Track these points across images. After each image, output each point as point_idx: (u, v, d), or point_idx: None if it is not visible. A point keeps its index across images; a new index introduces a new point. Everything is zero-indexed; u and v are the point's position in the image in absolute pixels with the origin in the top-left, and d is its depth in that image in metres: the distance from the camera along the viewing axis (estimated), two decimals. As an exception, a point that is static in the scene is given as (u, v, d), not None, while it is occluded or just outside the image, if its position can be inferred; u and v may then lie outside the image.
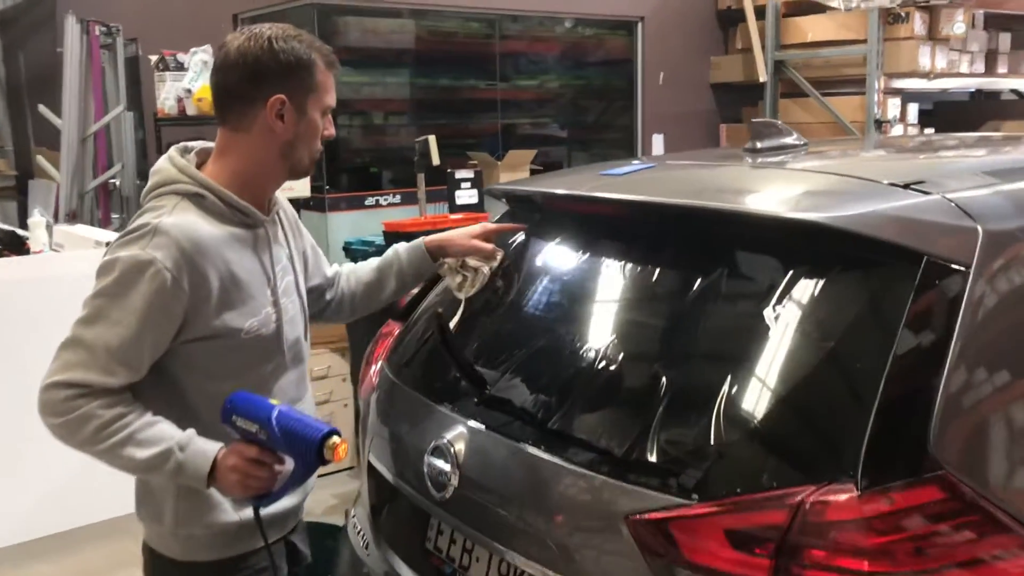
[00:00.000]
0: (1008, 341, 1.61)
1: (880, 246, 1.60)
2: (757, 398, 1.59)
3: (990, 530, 1.44)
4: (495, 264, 2.18)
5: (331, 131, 1.89)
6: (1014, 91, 8.18)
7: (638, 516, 1.55)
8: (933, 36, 6.25)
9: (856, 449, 1.44)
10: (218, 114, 1.84)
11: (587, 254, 1.99)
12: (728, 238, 1.78)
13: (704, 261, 1.77)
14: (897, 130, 6.37)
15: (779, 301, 1.64)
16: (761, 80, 6.85)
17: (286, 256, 1.97)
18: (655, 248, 1.87)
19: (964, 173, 1.89)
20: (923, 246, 1.60)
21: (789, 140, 2.25)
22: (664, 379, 1.66)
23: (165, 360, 1.78)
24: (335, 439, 1.63)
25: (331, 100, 1.85)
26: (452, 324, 2.12)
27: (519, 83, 6.92)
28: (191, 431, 1.75)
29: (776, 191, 1.83)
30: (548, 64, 6.98)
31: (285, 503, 1.94)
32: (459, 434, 1.91)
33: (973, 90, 8.28)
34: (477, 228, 2.24)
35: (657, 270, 1.84)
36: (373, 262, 2.26)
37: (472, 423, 1.90)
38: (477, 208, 5.70)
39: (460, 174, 5.66)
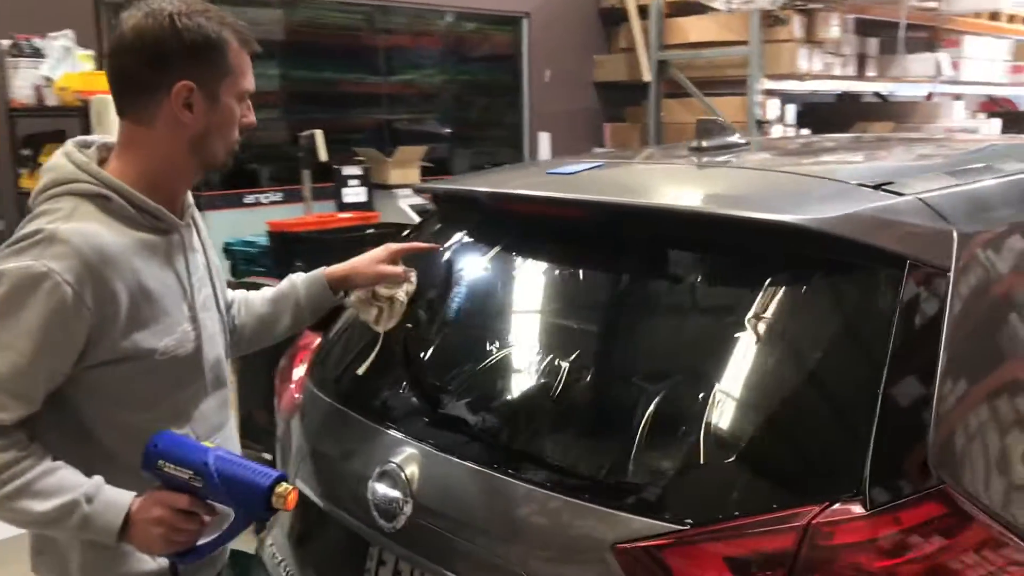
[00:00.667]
0: (987, 343, 1.57)
1: (861, 249, 1.53)
2: (747, 413, 1.50)
3: (991, 544, 1.40)
4: (411, 287, 1.95)
5: (251, 118, 1.67)
6: (877, 94, 8.54)
7: (627, 544, 1.43)
8: (810, 39, 6.42)
9: (859, 465, 1.36)
10: (117, 104, 1.60)
11: (543, 259, 1.85)
12: (702, 242, 1.68)
13: (677, 266, 1.67)
14: (776, 130, 6.52)
15: (762, 308, 1.55)
16: (646, 80, 6.89)
17: (203, 265, 1.74)
18: (622, 253, 1.75)
19: (926, 173, 1.85)
20: (905, 249, 1.54)
21: (733, 139, 2.18)
22: (644, 394, 1.54)
23: (65, 389, 1.53)
24: (284, 486, 1.44)
25: (249, 83, 1.63)
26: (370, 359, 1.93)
27: (405, 78, 6.73)
28: (98, 479, 1.51)
29: (748, 192, 1.74)
30: (435, 59, 6.82)
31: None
32: (409, 457, 1.74)
33: (840, 92, 8.59)
34: (381, 251, 1.98)
35: (626, 276, 1.72)
36: (267, 292, 2.00)
37: (423, 445, 1.74)
38: (366, 207, 5.50)
39: (348, 171, 5.45)
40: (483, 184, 2.13)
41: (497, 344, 1.79)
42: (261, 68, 6.07)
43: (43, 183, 1.58)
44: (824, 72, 6.58)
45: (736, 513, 1.39)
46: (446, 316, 1.96)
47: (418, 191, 2.29)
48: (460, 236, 2.12)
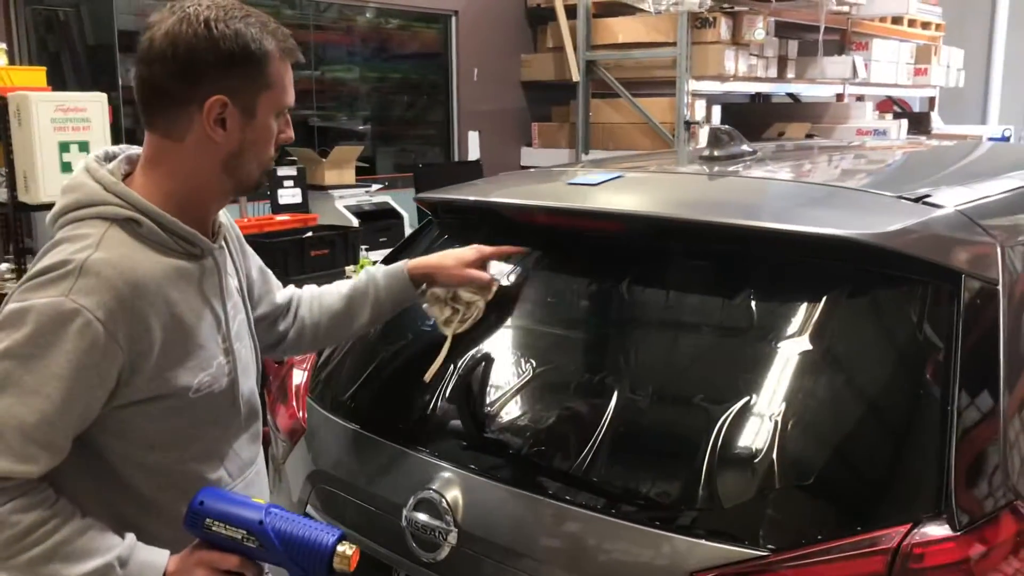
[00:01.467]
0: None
1: (915, 264, 1.53)
2: (819, 434, 1.48)
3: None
4: (490, 296, 1.84)
5: (289, 134, 1.52)
6: (789, 94, 8.76)
7: (705, 572, 1.39)
8: (736, 41, 6.53)
9: (941, 484, 1.36)
10: (145, 116, 1.43)
11: (580, 274, 1.79)
12: (750, 257, 1.65)
13: (730, 282, 1.63)
14: (704, 132, 6.60)
15: (821, 325, 1.53)
16: (574, 80, 6.88)
17: (236, 289, 1.61)
18: (665, 268, 1.71)
19: (954, 184, 1.86)
20: (958, 263, 1.55)
21: (744, 147, 2.16)
22: (710, 417, 1.50)
23: (91, 430, 1.38)
24: (347, 547, 1.33)
25: (290, 98, 1.48)
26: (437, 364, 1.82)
27: (334, 75, 6.54)
28: (131, 539, 1.38)
29: (790, 205, 1.72)
30: (364, 56, 6.65)
31: None
32: (449, 484, 1.66)
33: (752, 93, 8.78)
34: (470, 253, 1.85)
35: (673, 294, 1.68)
36: (342, 287, 1.88)
37: (464, 471, 1.66)
38: (301, 208, 5.33)
39: (282, 171, 5.26)
40: (496, 195, 2.06)
41: (537, 362, 1.72)
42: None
43: (64, 204, 1.42)
44: (748, 74, 6.70)
45: (819, 537, 1.37)
46: (480, 333, 1.87)
47: (420, 201, 2.18)
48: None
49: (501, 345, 1.81)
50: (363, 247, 5.11)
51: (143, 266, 1.38)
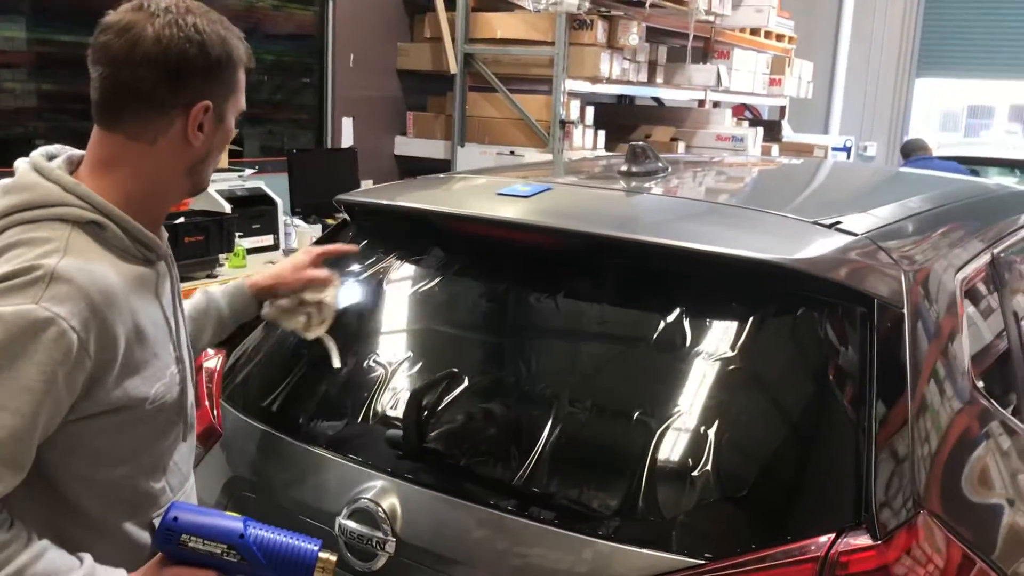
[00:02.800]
0: (936, 376, 1.74)
1: (835, 288, 1.64)
2: (748, 446, 1.57)
3: (967, 566, 1.55)
4: (335, 290, 1.88)
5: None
6: (654, 98, 9.05)
7: (648, 581, 1.45)
8: (611, 44, 6.68)
9: (861, 495, 1.47)
10: (108, 115, 1.38)
11: (514, 284, 1.82)
12: (675, 276, 1.73)
13: (659, 300, 1.70)
14: (578, 132, 6.74)
15: (749, 345, 1.62)
16: (452, 72, 6.88)
17: (178, 296, 1.57)
18: (596, 283, 1.76)
19: (861, 211, 1.99)
20: (871, 288, 1.67)
21: (659, 164, 2.24)
22: (645, 429, 1.57)
23: (38, 448, 1.30)
24: (329, 554, 1.33)
25: (243, 101, 1.49)
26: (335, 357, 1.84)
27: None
28: (88, 560, 1.32)
29: (719, 227, 1.80)
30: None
31: None
32: (383, 492, 1.66)
33: (618, 95, 9.01)
34: (302, 257, 1.89)
35: (606, 308, 1.74)
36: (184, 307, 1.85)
37: (399, 480, 1.67)
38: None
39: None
40: (421, 200, 2.06)
41: (470, 370, 1.75)
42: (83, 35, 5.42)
43: (11, 204, 1.33)
44: (621, 77, 6.87)
45: (752, 546, 1.45)
46: (394, 340, 1.88)
47: (339, 203, 2.16)
48: (392, 253, 2.04)
49: (426, 352, 1.83)
50: (237, 234, 4.97)
51: (110, 273, 1.33)
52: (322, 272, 1.88)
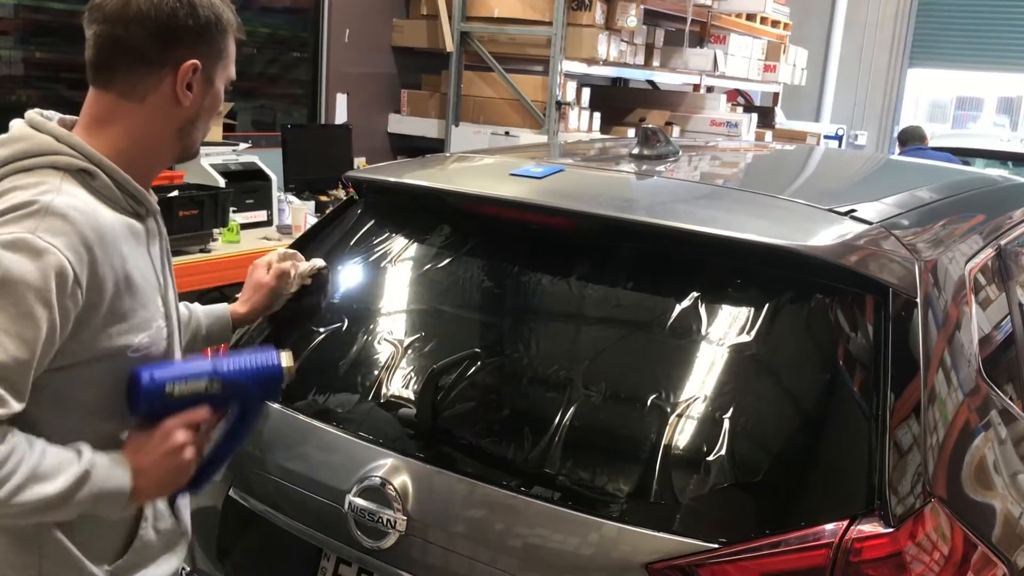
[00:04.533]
0: (945, 365, 1.75)
1: (852, 277, 1.64)
2: (764, 433, 1.57)
3: (971, 552, 1.56)
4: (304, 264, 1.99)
5: (223, 106, 1.61)
6: (649, 81, 9.02)
7: (662, 563, 1.46)
8: (609, 26, 6.65)
9: (874, 482, 1.47)
10: (101, 74, 1.45)
11: (524, 266, 1.81)
12: (693, 261, 1.72)
13: (678, 285, 1.69)
14: (573, 113, 6.72)
15: (766, 332, 1.62)
16: (448, 49, 6.83)
17: (167, 255, 1.61)
18: (613, 267, 1.75)
19: (874, 199, 1.99)
20: (887, 277, 1.67)
21: (670, 148, 2.24)
22: (661, 414, 1.57)
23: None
24: (286, 357, 1.47)
25: (233, 70, 1.56)
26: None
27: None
28: (86, 450, 1.38)
29: (735, 213, 1.79)
30: (234, 7, 6.35)
31: (166, 569, 1.58)
32: (394, 470, 1.66)
33: (614, 77, 8.98)
34: (259, 273, 1.97)
35: (623, 292, 1.73)
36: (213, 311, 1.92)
37: (411, 459, 1.66)
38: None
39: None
40: (432, 179, 2.05)
41: (486, 351, 1.74)
42: None
43: (7, 154, 1.39)
44: (618, 59, 6.85)
45: (766, 531, 1.46)
46: (414, 324, 1.87)
47: (348, 180, 2.14)
48: (402, 232, 2.03)
49: (438, 334, 1.83)
50: (231, 209, 4.93)
51: (102, 216, 1.38)
52: (278, 267, 1.98)
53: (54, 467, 1.33)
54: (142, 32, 1.40)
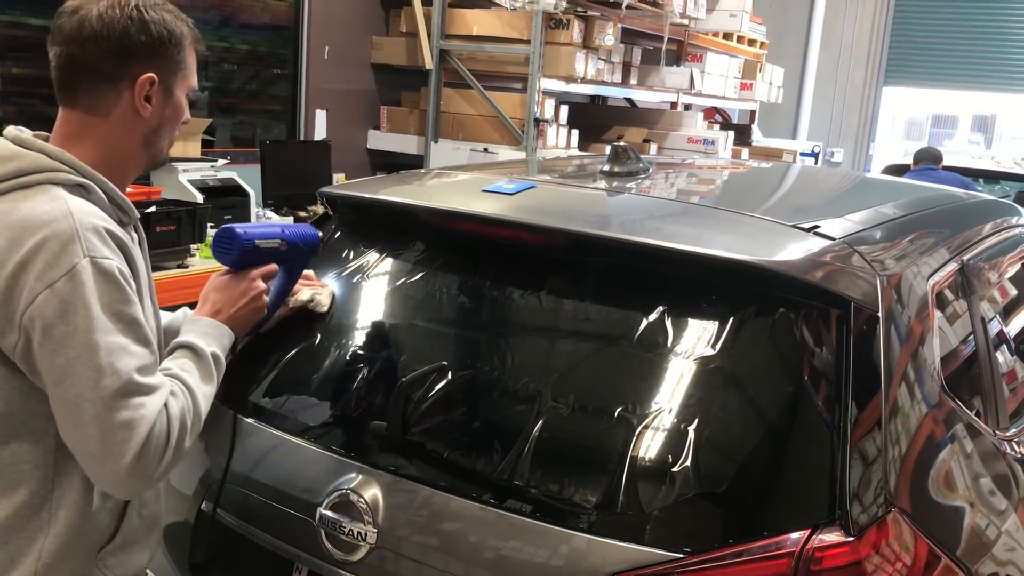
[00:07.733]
0: (907, 379, 1.78)
1: (814, 291, 1.68)
2: (727, 443, 1.60)
3: (933, 563, 1.59)
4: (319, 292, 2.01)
5: (188, 116, 1.66)
6: (627, 99, 9.10)
7: (630, 572, 1.48)
8: (587, 44, 6.72)
9: (835, 492, 1.50)
10: (66, 93, 1.54)
11: (493, 281, 1.84)
12: (660, 276, 1.75)
13: (643, 300, 1.72)
14: (551, 130, 6.76)
15: (730, 345, 1.65)
16: (427, 67, 6.88)
17: (148, 260, 1.68)
18: (582, 281, 1.78)
19: (838, 215, 2.02)
20: (848, 291, 1.71)
21: (639, 165, 2.27)
22: (627, 425, 1.60)
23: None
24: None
25: (195, 81, 1.66)
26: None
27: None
28: (184, 338, 1.63)
29: (702, 229, 1.82)
30: (213, 23, 6.36)
31: (138, 561, 1.64)
32: (364, 483, 1.68)
33: (592, 95, 9.05)
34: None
35: (591, 306, 1.75)
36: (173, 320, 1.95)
37: (381, 472, 1.68)
38: (144, 180, 5.06)
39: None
40: (405, 195, 2.07)
41: (457, 365, 1.76)
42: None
43: (3, 172, 1.44)
44: (596, 77, 6.91)
45: (729, 541, 1.49)
46: (377, 334, 1.90)
47: (322, 196, 2.16)
48: (375, 248, 2.05)
49: (410, 348, 1.85)
50: (209, 224, 4.93)
51: (110, 221, 1.48)
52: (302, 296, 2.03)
53: (199, 379, 1.55)
54: (98, 51, 1.49)
